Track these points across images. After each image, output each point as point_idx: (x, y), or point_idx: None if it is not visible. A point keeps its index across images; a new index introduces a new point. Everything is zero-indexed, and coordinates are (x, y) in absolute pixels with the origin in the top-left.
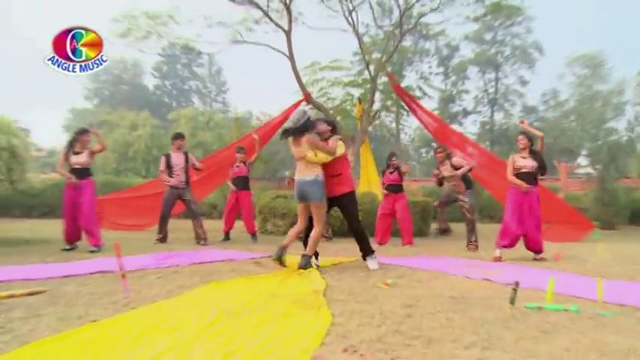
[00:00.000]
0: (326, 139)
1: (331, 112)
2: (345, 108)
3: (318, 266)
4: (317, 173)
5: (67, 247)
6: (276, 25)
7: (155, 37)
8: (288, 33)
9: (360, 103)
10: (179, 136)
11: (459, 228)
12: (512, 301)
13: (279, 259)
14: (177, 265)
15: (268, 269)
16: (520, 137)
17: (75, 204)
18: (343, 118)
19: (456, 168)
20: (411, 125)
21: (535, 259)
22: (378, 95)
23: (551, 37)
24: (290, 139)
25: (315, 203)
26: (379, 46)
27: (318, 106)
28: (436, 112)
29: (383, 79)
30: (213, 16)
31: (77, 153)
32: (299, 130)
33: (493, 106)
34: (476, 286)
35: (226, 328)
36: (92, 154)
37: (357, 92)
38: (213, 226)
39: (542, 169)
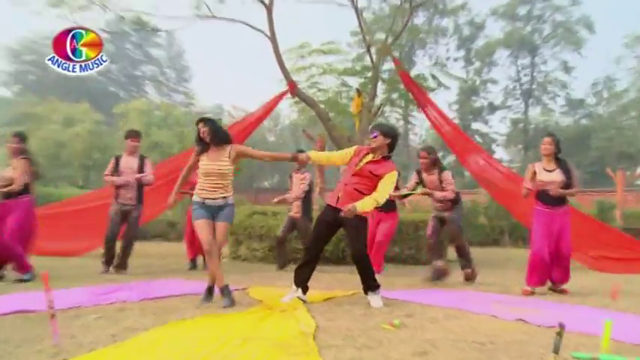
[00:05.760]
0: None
1: (322, 106)
2: (339, 101)
3: (304, 302)
4: None
5: None
6: None
7: (98, 9)
8: (269, 7)
9: (359, 95)
10: (130, 135)
11: (480, 254)
12: (556, 350)
13: None
14: (124, 302)
15: (241, 306)
16: (546, 140)
17: None
18: (337, 114)
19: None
20: (422, 124)
21: (552, 290)
22: (380, 86)
23: (603, 10)
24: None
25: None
26: (382, 24)
27: (305, 99)
28: (455, 108)
29: (388, 65)
30: None
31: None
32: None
33: (528, 99)
34: (505, 329)
35: None
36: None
37: (355, 82)
38: (171, 250)
39: (569, 186)
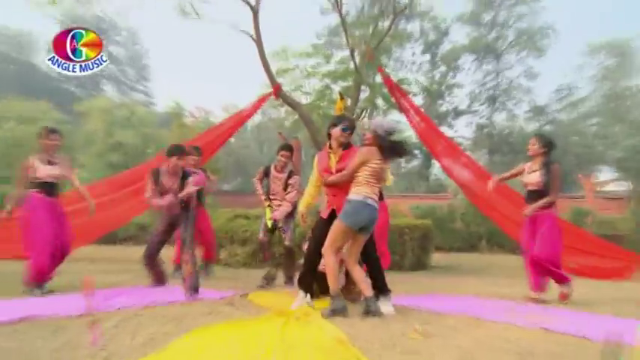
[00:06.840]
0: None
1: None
2: (320, 104)
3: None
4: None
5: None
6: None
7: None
8: (255, 11)
9: (341, 99)
10: (175, 153)
11: (459, 259)
12: None
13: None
14: (128, 308)
15: (248, 311)
16: (531, 140)
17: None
18: (318, 117)
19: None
20: None
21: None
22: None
23: (567, 18)
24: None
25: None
26: (360, 27)
27: (289, 103)
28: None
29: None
30: None
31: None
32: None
33: (492, 104)
34: (534, 338)
35: None
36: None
37: (337, 85)
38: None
39: (544, 191)
